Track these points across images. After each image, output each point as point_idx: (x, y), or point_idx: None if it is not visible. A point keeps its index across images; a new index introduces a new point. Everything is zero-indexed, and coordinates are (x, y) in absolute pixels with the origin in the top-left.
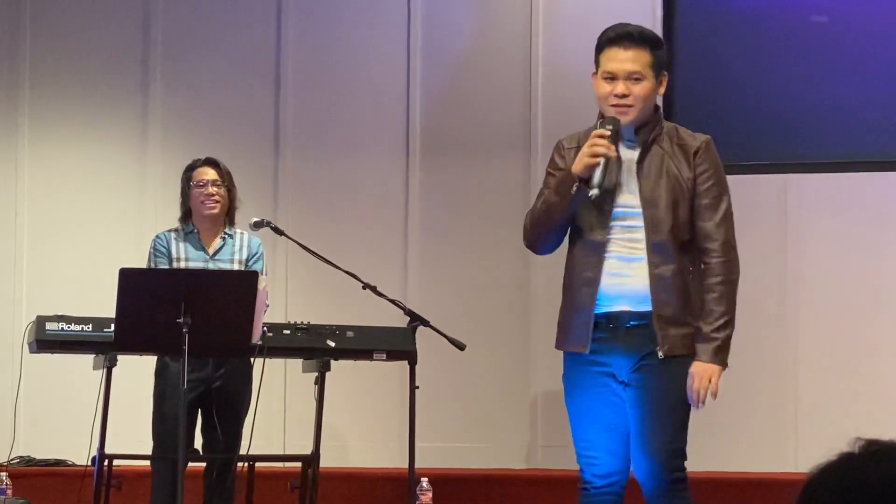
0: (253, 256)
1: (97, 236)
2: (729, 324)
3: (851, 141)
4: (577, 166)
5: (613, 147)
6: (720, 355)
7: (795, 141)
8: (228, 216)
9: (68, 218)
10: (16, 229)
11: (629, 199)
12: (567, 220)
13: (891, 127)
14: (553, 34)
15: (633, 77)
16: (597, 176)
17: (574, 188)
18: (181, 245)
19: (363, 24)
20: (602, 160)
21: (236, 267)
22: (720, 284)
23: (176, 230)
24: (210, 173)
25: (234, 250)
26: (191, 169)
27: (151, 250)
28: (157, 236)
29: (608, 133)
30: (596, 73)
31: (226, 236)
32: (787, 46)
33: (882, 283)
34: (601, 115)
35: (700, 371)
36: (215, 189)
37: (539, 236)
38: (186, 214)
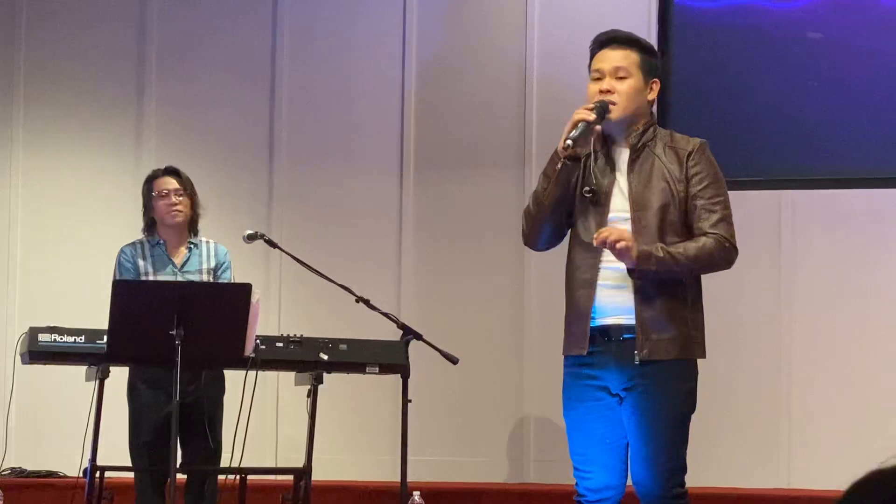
0: (221, 266)
1: (91, 248)
2: (678, 263)
3: (846, 157)
4: (560, 143)
5: (593, 115)
6: (648, 258)
7: (789, 156)
8: (191, 225)
9: (62, 229)
10: (9, 240)
11: (621, 203)
12: (557, 207)
13: (885, 143)
14: (548, 47)
15: (619, 74)
16: (573, 132)
17: (560, 163)
18: (148, 259)
19: (358, 37)
20: (582, 124)
21: (205, 277)
22: (702, 245)
23: (141, 242)
24: (172, 183)
25: (202, 260)
26: (151, 179)
27: (117, 266)
28: (121, 251)
29: (592, 107)
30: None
31: (191, 246)
32: (781, 62)
33: (876, 300)
34: None
35: (627, 236)
36: (178, 199)
37: (532, 226)
38: (150, 225)
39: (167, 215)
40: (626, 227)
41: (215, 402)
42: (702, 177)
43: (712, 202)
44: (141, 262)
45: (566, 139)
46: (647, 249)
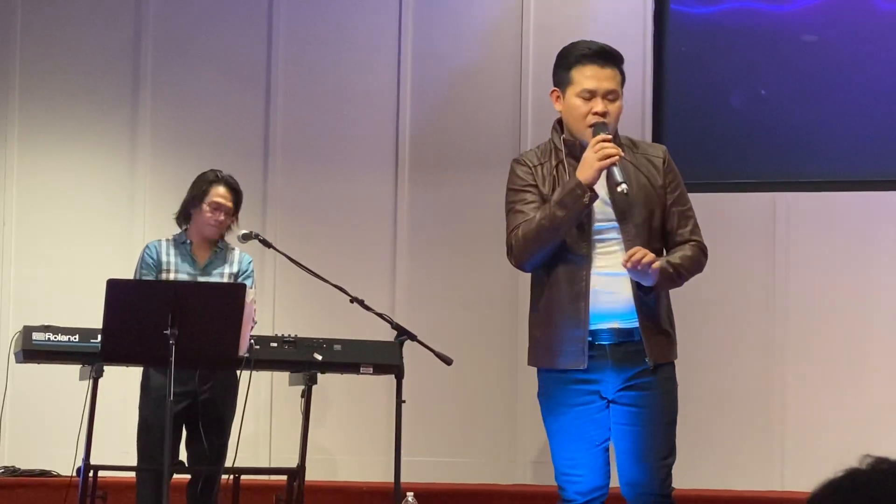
0: (243, 273)
1: (85, 247)
2: (681, 276)
3: (840, 159)
4: (587, 174)
5: (619, 147)
6: (664, 274)
7: (784, 159)
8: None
9: (56, 228)
10: (3, 239)
11: (605, 213)
12: (565, 234)
13: (880, 146)
14: (543, 50)
15: (610, 97)
16: (618, 174)
17: (587, 197)
18: (171, 256)
19: (353, 39)
20: (618, 160)
21: (225, 280)
22: (692, 255)
23: (168, 240)
24: (228, 200)
25: (225, 264)
26: (209, 182)
27: (139, 261)
28: (147, 246)
29: (609, 136)
30: (559, 90)
31: (217, 250)
32: (776, 65)
33: (869, 302)
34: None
35: (653, 256)
36: (225, 217)
37: (535, 253)
38: (184, 218)
39: (206, 225)
40: (610, 235)
41: (228, 404)
42: (676, 184)
43: (687, 209)
44: (164, 259)
45: (621, 183)
46: (661, 266)
